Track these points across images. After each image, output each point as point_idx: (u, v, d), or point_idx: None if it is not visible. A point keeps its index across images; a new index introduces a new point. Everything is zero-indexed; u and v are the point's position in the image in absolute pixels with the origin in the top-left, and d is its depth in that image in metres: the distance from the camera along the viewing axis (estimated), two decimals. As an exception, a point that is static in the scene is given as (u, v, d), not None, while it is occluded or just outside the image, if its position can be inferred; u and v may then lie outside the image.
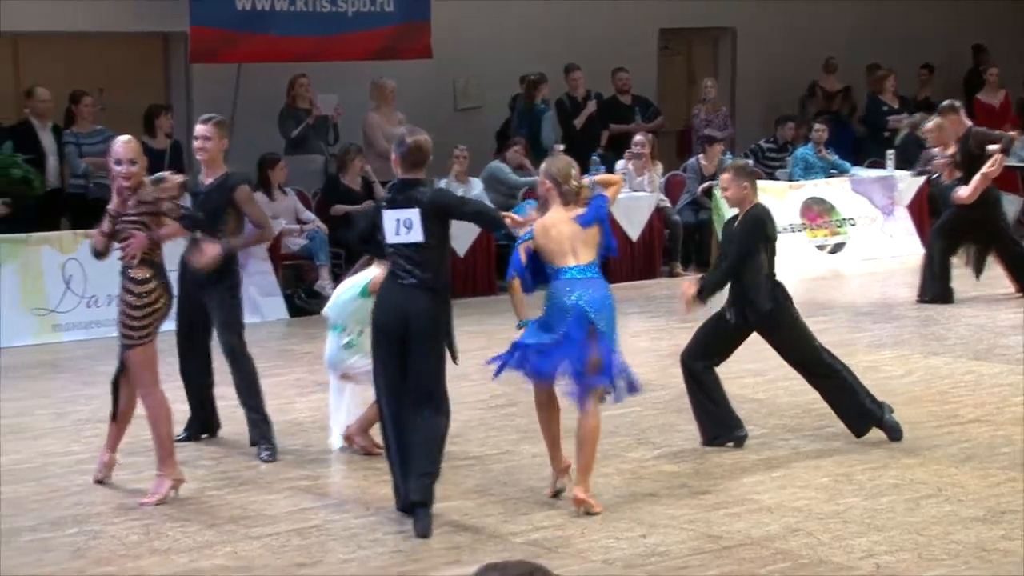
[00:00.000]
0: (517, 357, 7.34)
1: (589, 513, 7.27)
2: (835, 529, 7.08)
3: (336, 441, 8.55)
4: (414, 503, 7.02)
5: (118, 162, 7.57)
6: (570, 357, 7.23)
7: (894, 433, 8.52)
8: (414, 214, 7.05)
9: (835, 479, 7.92)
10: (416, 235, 7.06)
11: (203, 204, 8.37)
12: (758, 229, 8.44)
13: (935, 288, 13.03)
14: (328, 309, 8.57)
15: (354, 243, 8.17)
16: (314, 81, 14.42)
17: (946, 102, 13.55)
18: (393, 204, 7.13)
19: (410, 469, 7.07)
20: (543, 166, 7.57)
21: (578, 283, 7.27)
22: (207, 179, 8.48)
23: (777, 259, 8.61)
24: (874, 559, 6.69)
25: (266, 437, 8.43)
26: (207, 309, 8.49)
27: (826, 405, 9.49)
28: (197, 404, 8.82)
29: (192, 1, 13.62)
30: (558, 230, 7.34)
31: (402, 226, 7.04)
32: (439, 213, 7.12)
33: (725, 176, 8.56)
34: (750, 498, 7.58)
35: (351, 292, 8.37)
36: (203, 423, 8.84)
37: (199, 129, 8.53)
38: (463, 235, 13.07)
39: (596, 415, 7.35)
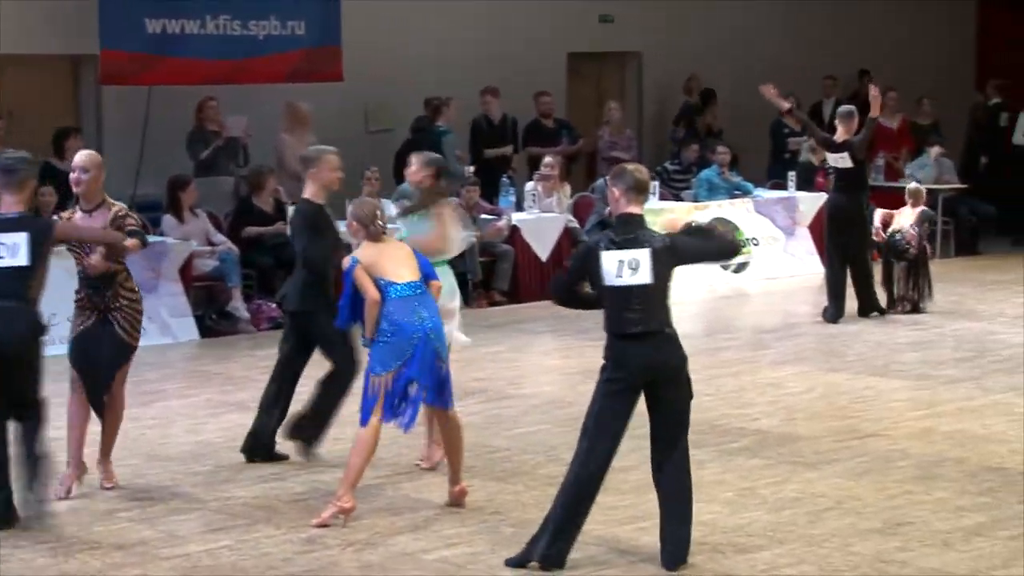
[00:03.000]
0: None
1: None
2: (739, 543, 7.26)
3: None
4: (678, 559, 6.87)
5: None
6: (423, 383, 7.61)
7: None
8: (644, 254, 6.76)
9: (739, 493, 8.11)
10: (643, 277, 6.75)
11: None
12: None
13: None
14: None
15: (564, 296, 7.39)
16: (227, 103, 14.44)
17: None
18: (615, 246, 6.78)
19: (668, 520, 6.93)
20: (350, 209, 7.84)
21: (417, 300, 7.58)
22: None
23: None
24: (776, 572, 6.88)
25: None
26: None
27: (730, 421, 9.72)
28: None
29: (102, 24, 13.62)
30: (390, 250, 7.68)
31: (627, 267, 6.75)
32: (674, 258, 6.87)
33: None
34: (656, 513, 7.71)
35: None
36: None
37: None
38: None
39: (457, 417, 7.83)
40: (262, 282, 13.74)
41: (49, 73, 14.77)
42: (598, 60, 18.70)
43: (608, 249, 6.79)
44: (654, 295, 6.78)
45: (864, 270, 13.39)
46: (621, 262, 6.75)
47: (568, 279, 7.16)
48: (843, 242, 13.25)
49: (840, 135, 13.31)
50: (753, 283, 15.66)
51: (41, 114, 14.19)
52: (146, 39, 13.85)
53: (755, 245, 16.03)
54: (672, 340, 6.85)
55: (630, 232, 6.81)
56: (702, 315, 14.25)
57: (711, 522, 7.56)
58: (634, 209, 6.86)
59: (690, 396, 6.95)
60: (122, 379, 8.20)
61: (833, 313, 13.20)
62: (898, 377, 10.99)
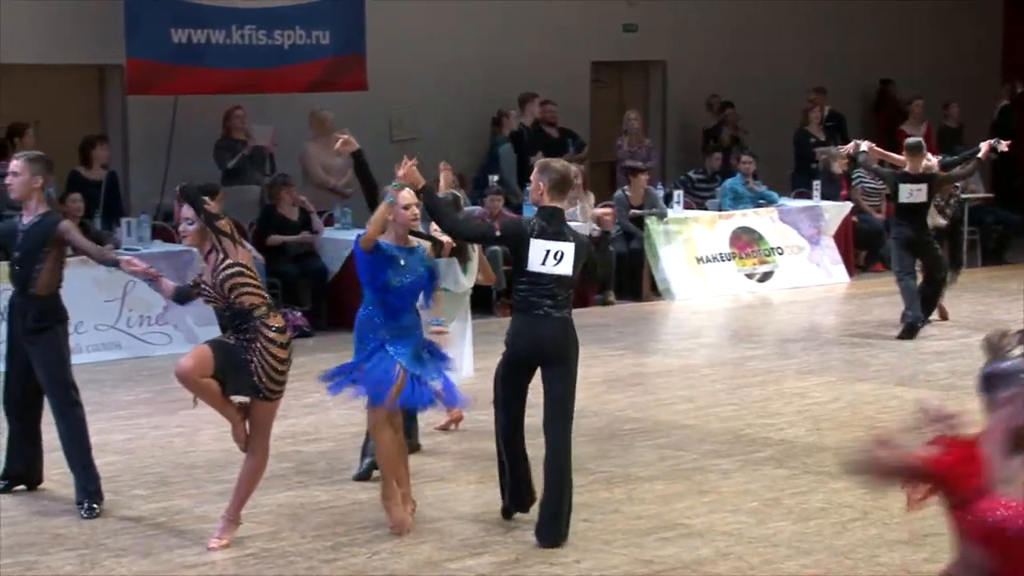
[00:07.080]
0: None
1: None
2: (764, 553, 7.24)
3: None
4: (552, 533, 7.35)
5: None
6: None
7: None
8: (568, 248, 7.26)
9: (764, 503, 8.09)
10: (565, 268, 7.26)
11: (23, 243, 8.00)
12: None
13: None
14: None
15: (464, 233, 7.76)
16: (252, 112, 14.48)
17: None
18: (544, 235, 7.24)
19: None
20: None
21: None
22: (26, 217, 8.05)
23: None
24: (802, 582, 6.87)
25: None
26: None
27: (756, 431, 9.69)
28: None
29: (128, 34, 13.68)
30: None
31: (551, 257, 7.24)
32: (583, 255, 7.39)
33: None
34: (681, 523, 7.74)
35: None
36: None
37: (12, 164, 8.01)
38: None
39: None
40: (287, 291, 13.77)
41: (76, 82, 14.83)
42: (621, 69, 18.70)
43: (538, 237, 7.23)
44: (569, 286, 7.34)
45: (938, 283, 13.18)
46: (547, 252, 7.22)
47: (488, 236, 7.78)
48: (915, 262, 13.08)
49: (912, 168, 12.94)
50: (778, 292, 15.63)
51: (67, 123, 14.25)
52: (172, 49, 13.90)
53: (780, 255, 16.01)
54: (568, 325, 7.36)
55: (557, 225, 7.28)
56: (727, 325, 14.23)
57: (736, 532, 7.54)
58: (557, 203, 7.33)
59: (572, 383, 7.34)
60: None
61: (914, 316, 12.96)
62: (925, 387, 10.95)
